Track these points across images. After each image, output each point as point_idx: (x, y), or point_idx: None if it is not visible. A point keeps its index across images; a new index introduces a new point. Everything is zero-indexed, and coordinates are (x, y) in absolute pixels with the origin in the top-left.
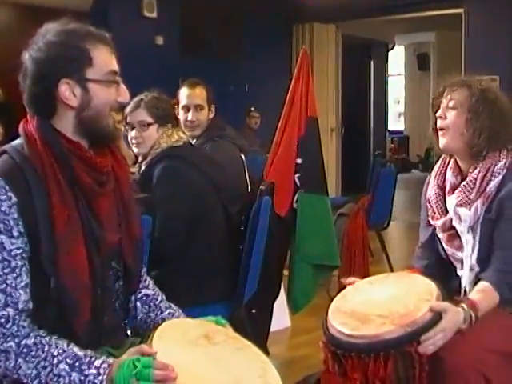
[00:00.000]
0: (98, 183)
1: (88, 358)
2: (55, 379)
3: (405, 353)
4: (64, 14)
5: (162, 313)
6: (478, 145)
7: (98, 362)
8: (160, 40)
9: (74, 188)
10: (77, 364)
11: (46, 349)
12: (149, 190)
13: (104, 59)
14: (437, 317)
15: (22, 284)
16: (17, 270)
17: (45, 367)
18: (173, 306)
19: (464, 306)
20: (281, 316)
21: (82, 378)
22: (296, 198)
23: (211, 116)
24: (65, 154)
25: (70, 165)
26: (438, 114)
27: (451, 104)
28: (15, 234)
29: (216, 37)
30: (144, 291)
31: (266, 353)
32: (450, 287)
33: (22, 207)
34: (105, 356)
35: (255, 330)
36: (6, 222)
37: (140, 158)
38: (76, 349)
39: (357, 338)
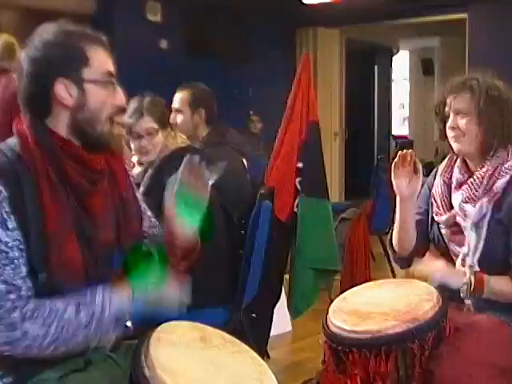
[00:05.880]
0: (90, 182)
1: (88, 292)
2: (66, 327)
3: (406, 349)
4: (68, 17)
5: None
6: (491, 143)
7: (99, 290)
8: (164, 44)
9: (65, 186)
10: (82, 301)
11: (47, 304)
12: (158, 194)
13: (101, 59)
14: (439, 316)
15: (21, 275)
16: (15, 261)
17: (52, 322)
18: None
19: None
20: (282, 320)
21: (91, 312)
22: (297, 202)
23: (198, 120)
24: (55, 153)
25: (61, 163)
26: (448, 125)
27: (458, 112)
28: (10, 226)
29: (220, 41)
30: None
31: (267, 357)
32: None
33: (13, 202)
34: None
35: (255, 333)
36: None
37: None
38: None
39: (359, 333)
